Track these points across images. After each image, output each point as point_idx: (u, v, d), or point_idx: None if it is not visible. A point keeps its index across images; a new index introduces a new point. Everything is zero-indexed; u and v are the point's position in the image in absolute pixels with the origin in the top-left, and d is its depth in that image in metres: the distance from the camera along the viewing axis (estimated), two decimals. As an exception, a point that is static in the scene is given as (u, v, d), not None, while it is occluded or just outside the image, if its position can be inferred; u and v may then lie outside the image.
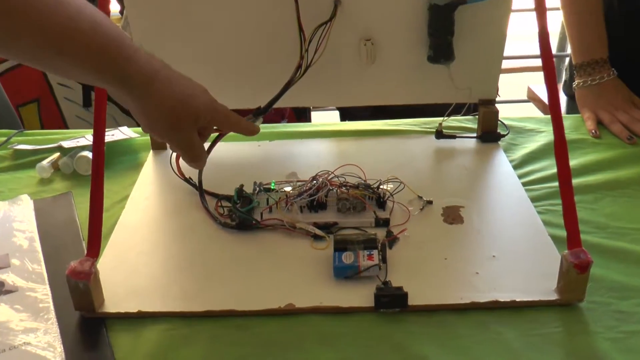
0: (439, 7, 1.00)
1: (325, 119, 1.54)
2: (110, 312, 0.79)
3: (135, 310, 0.79)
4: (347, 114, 1.82)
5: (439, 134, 1.15)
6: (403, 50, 1.07)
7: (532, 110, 2.24)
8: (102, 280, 0.80)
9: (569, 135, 1.18)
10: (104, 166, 0.81)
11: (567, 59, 1.69)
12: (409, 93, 1.12)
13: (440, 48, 1.04)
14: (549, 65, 0.81)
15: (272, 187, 0.98)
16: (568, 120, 1.24)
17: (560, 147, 0.79)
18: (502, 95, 1.36)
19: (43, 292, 0.83)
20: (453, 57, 1.04)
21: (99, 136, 0.82)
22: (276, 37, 1.05)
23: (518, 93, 2.51)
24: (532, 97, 2.16)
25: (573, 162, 1.08)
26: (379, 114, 1.51)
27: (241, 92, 1.11)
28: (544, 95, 2.19)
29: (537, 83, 2.07)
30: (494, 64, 1.09)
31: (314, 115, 1.93)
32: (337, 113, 1.89)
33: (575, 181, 1.02)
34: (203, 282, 0.83)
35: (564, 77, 1.70)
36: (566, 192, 0.78)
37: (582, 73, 1.27)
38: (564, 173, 0.79)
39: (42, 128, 1.82)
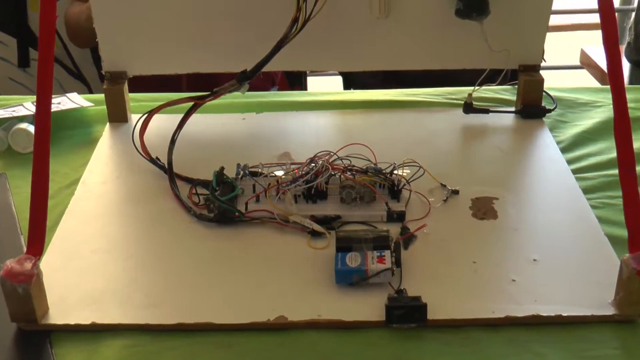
0: None
1: (325, 86, 1.55)
2: (56, 324, 0.80)
3: (88, 322, 0.80)
4: (352, 81, 1.83)
5: (468, 107, 1.16)
6: (425, 1, 1.07)
7: (586, 79, 2.25)
8: (46, 284, 0.81)
9: (633, 111, 1.19)
10: (49, 142, 0.81)
11: (633, 16, 1.69)
12: (431, 56, 1.13)
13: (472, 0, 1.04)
14: (609, 21, 0.81)
15: (259, 171, 0.99)
16: (632, 93, 1.25)
17: (621, 126, 0.79)
18: (549, 59, 1.37)
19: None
20: (488, 11, 1.05)
21: (44, 104, 0.83)
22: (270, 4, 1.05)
23: (569, 57, 2.52)
24: (587, 63, 2.18)
25: (637, 145, 1.09)
26: (392, 82, 1.52)
27: (223, 52, 1.12)
28: (601, 61, 2.20)
29: (593, 44, 2.08)
30: (539, 21, 1.10)
31: (311, 81, 1.94)
32: (339, 79, 1.90)
33: None
34: (173, 288, 0.84)
35: (627, 38, 1.71)
36: (628, 182, 0.79)
37: None
38: (626, 158, 0.79)
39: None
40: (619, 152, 0.79)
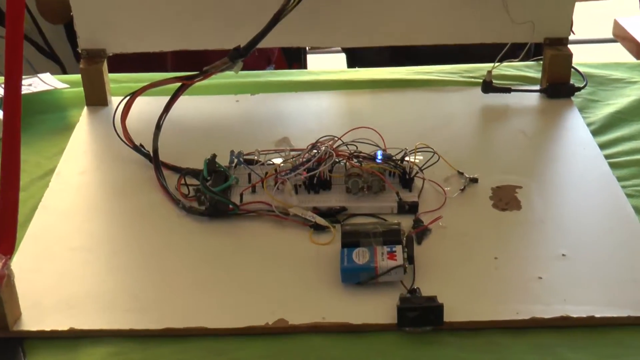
0: None
1: (327, 64, 1.55)
2: (30, 331, 0.80)
3: (66, 328, 0.80)
4: (357, 58, 1.83)
5: (488, 85, 1.16)
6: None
7: (620, 53, 2.25)
8: (18, 287, 0.81)
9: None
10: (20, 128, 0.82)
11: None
12: (446, 29, 1.14)
13: None
14: None
15: (255, 159, 0.99)
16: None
17: None
18: (578, 32, 1.37)
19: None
20: None
21: (12, 85, 0.83)
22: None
23: (600, 29, 2.52)
24: (621, 35, 2.18)
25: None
26: (402, 58, 1.52)
27: (212, 27, 1.12)
28: (637, 33, 2.19)
29: (628, 15, 2.07)
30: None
31: (312, 59, 1.94)
32: (343, 57, 1.90)
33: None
34: (161, 290, 0.85)
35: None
36: None
37: None
38: None
39: None
40: None
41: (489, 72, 1.16)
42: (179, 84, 1.01)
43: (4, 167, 0.80)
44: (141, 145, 1.03)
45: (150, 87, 1.03)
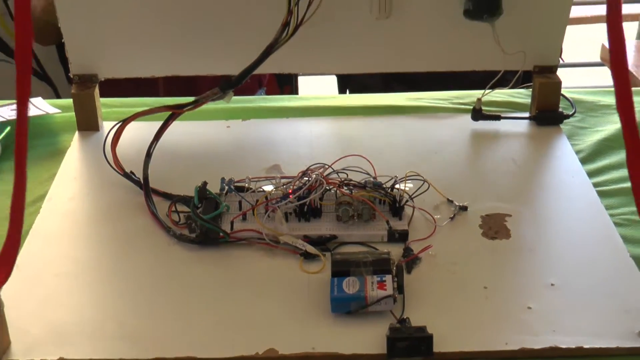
0: None
1: (319, 86, 1.55)
2: (19, 360, 0.80)
3: (55, 358, 0.79)
4: (349, 82, 1.83)
5: (477, 113, 1.16)
6: (429, 6, 1.08)
7: (608, 78, 2.25)
8: (7, 315, 0.80)
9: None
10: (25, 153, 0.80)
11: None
12: (437, 57, 1.14)
13: (484, 0, 1.04)
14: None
15: (246, 186, 0.99)
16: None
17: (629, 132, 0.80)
18: (566, 56, 1.37)
19: None
20: (501, 11, 1.05)
21: (22, 111, 0.83)
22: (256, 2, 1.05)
23: (588, 53, 2.53)
24: (607, 59, 2.18)
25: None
26: (394, 84, 1.52)
27: (204, 54, 1.12)
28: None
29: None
30: (559, 17, 1.10)
31: (303, 82, 1.94)
32: (334, 78, 1.90)
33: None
34: (151, 318, 0.84)
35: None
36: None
37: None
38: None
39: None
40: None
41: (479, 100, 1.16)
42: (169, 112, 1.01)
43: (14, 200, 0.79)
44: (132, 172, 1.03)
45: (140, 115, 1.03)
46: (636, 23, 2.60)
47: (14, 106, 1.21)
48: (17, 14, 0.85)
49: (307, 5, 0.97)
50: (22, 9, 0.82)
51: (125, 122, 1.03)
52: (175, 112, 0.98)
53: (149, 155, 1.00)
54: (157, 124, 1.01)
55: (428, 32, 1.10)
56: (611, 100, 1.24)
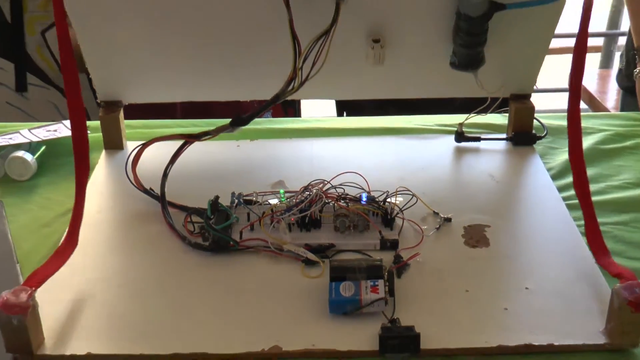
0: (471, 19, 0.98)
1: (319, 112, 1.55)
2: (52, 355, 0.80)
3: (83, 353, 0.79)
4: (346, 106, 1.83)
5: (460, 135, 1.16)
6: (419, 49, 1.07)
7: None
8: (41, 314, 0.80)
9: (624, 137, 1.20)
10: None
11: (624, 41, 1.69)
12: (426, 86, 1.14)
13: (468, 57, 1.03)
14: (582, 39, 0.83)
15: (254, 199, 0.99)
16: (621, 119, 1.25)
17: (574, 150, 0.80)
18: (538, 83, 1.37)
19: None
20: (483, 63, 1.03)
21: (78, 129, 0.86)
22: (267, 38, 1.04)
23: (557, 80, 2.52)
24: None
25: (629, 174, 1.10)
26: (387, 107, 1.52)
27: (219, 81, 1.12)
28: (589, 84, 2.20)
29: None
30: (536, 54, 1.10)
31: (305, 106, 1.94)
32: (333, 104, 1.90)
33: (630, 194, 1.04)
34: (168, 318, 0.84)
35: (618, 65, 1.71)
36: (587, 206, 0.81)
37: None
38: (582, 181, 0.79)
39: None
40: (574, 175, 0.85)
41: (461, 124, 1.16)
42: (183, 140, 1.01)
43: (77, 204, 0.85)
44: (151, 189, 1.03)
45: (158, 140, 1.03)
46: (599, 54, 2.61)
47: (49, 127, 1.22)
48: (61, 45, 0.86)
49: (311, 65, 0.94)
50: (64, 40, 0.84)
51: (144, 145, 1.04)
52: (188, 141, 0.99)
53: (165, 175, 1.00)
54: (174, 144, 1.01)
55: (417, 68, 1.10)
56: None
